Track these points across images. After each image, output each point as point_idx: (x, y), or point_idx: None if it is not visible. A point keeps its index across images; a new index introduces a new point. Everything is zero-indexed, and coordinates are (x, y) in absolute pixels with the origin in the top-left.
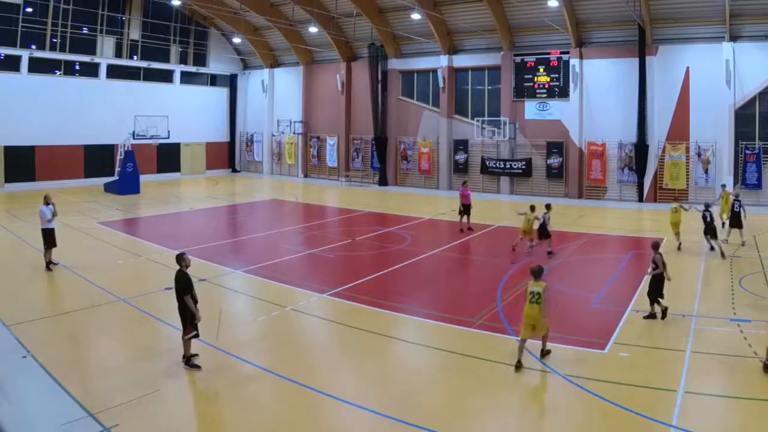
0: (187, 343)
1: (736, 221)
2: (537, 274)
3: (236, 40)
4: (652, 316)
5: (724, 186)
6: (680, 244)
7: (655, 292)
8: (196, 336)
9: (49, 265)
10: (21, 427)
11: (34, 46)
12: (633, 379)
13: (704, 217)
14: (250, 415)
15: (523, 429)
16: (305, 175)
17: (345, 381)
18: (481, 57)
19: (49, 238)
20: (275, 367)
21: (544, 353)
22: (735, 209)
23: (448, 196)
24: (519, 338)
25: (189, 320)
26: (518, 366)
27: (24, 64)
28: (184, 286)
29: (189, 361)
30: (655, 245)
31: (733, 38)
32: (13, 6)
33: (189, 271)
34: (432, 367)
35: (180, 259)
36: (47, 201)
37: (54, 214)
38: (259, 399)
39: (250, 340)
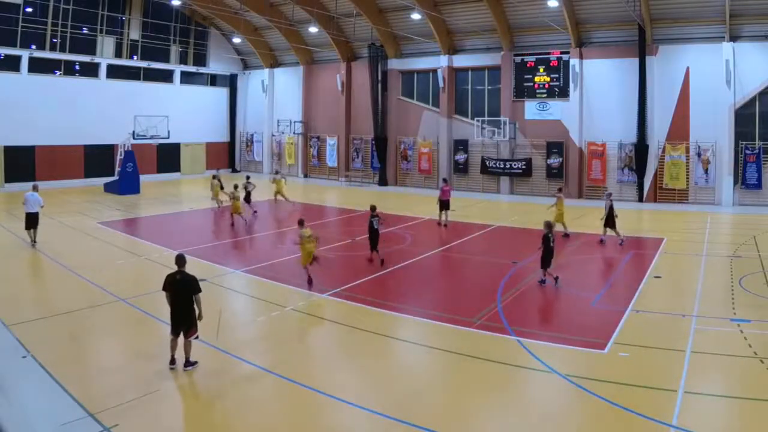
0: (189, 345)
1: (611, 221)
2: (300, 223)
3: (236, 40)
4: (543, 282)
5: (560, 190)
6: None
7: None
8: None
9: (34, 243)
10: (21, 427)
11: (34, 46)
12: (633, 379)
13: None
14: (250, 415)
15: (523, 429)
16: (305, 175)
17: (345, 381)
18: (481, 57)
19: (31, 220)
20: (275, 367)
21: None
22: (611, 209)
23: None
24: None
25: (195, 321)
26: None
27: (24, 64)
28: (198, 286)
29: (188, 362)
30: (548, 226)
31: (733, 38)
32: (13, 6)
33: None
34: (432, 367)
35: (184, 259)
36: (37, 188)
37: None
38: (259, 399)
39: (250, 340)
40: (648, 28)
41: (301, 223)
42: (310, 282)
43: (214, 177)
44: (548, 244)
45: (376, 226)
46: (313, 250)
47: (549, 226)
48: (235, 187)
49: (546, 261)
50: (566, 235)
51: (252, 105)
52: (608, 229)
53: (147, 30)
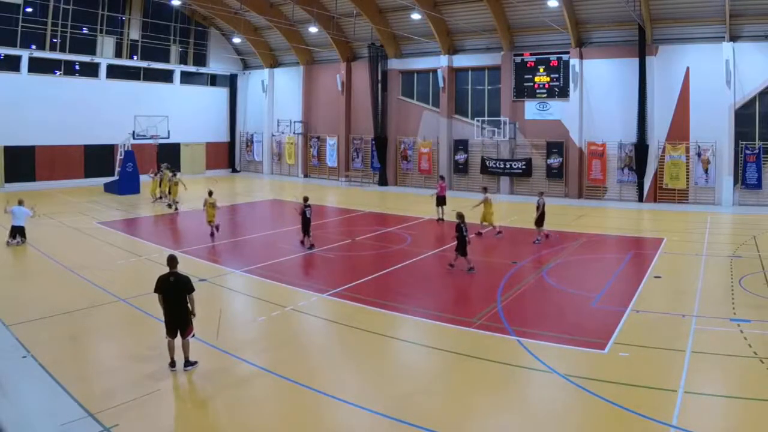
0: (188, 345)
1: (541, 220)
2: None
3: (236, 40)
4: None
5: (486, 189)
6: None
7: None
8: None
9: (9, 241)
10: (21, 427)
11: (34, 46)
12: (633, 379)
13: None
14: (250, 415)
15: (523, 429)
16: (305, 176)
17: (345, 381)
18: (481, 57)
19: (16, 231)
20: (275, 367)
21: None
22: (542, 208)
23: (449, 196)
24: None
25: (190, 320)
26: None
27: (24, 64)
28: (192, 285)
29: (188, 362)
30: (460, 216)
31: (733, 38)
32: (13, 6)
33: (187, 271)
34: (432, 367)
35: (176, 260)
36: (23, 203)
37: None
38: (259, 399)
39: (250, 340)
40: (648, 28)
41: (210, 193)
42: (212, 235)
43: (165, 171)
44: (461, 234)
45: (308, 215)
46: (213, 212)
47: (461, 216)
48: (175, 175)
49: (461, 248)
50: (499, 233)
51: (252, 105)
52: (541, 227)
53: (147, 30)
